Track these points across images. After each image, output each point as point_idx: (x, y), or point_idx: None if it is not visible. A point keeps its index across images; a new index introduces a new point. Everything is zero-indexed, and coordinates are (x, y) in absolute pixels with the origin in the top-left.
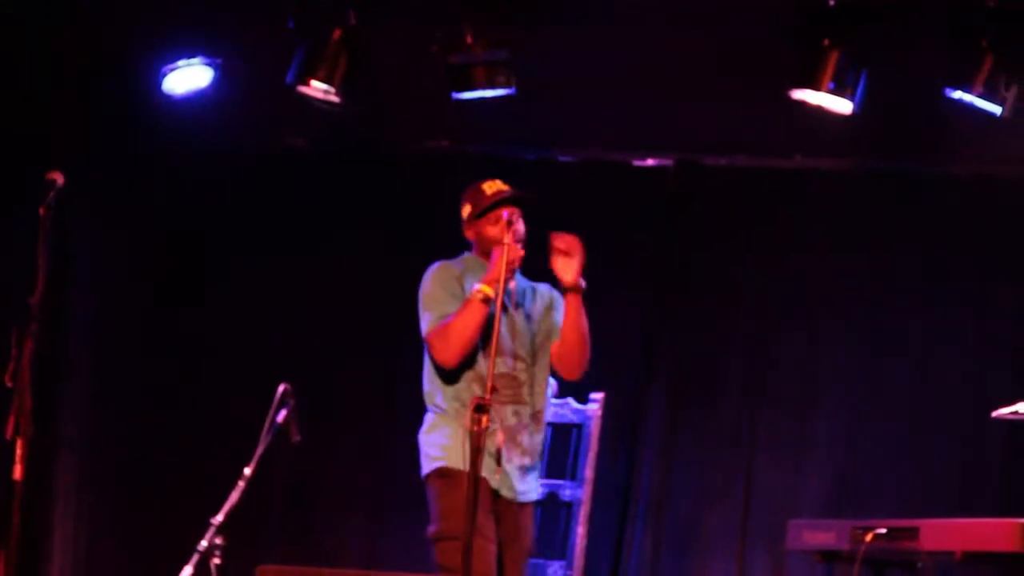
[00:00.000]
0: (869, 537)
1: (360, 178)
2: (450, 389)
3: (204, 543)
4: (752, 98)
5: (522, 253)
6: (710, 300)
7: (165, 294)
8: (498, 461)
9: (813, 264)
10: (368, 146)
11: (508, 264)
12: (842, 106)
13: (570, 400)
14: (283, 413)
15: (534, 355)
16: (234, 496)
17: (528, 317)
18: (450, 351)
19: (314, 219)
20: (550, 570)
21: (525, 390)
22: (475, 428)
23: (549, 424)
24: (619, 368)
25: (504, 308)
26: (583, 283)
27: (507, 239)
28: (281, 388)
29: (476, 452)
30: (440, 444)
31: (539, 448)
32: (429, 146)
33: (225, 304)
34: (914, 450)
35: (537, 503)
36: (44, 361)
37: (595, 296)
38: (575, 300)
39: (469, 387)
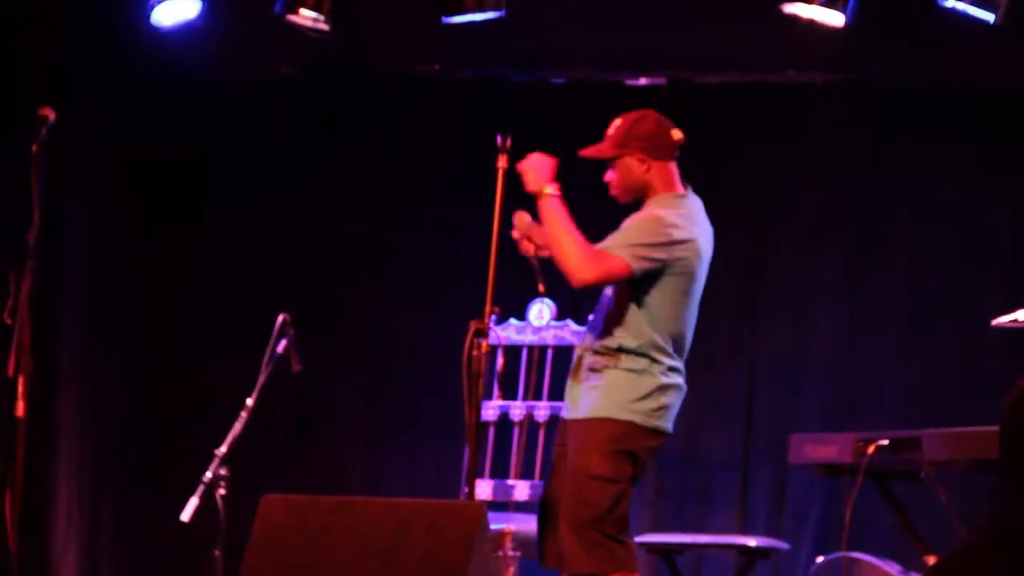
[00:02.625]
0: (871, 449)
1: (351, 105)
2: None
3: (209, 474)
4: (744, 13)
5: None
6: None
7: (160, 226)
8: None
9: (807, 179)
10: (359, 73)
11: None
12: (834, 19)
13: (569, 322)
14: (283, 343)
15: (602, 305)
16: (237, 427)
17: None
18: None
19: (307, 147)
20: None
21: (591, 320)
22: (474, 353)
23: (550, 347)
24: None
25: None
26: (548, 188)
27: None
28: (280, 318)
29: (476, 377)
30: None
31: (594, 371)
32: (420, 71)
33: (221, 234)
34: (913, 361)
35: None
36: (42, 298)
37: (591, 216)
38: (540, 205)
39: None
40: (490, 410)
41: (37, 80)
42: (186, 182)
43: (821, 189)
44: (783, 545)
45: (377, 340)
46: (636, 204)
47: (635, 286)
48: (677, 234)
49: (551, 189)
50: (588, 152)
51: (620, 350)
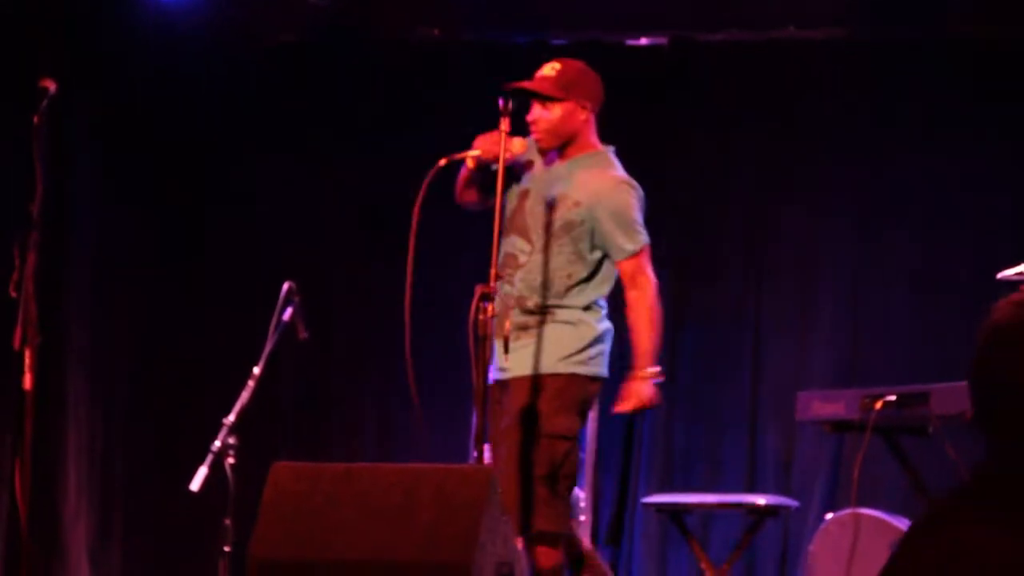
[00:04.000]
0: (879, 405)
1: (352, 70)
2: None
3: (218, 443)
4: None
5: (510, 151)
6: (709, 178)
7: (165, 196)
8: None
9: (810, 136)
10: (359, 38)
11: (483, 150)
12: None
13: None
14: (289, 311)
15: (545, 246)
16: (245, 396)
17: (550, 204)
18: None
19: (308, 114)
20: None
21: (520, 273)
22: (480, 317)
23: None
24: None
25: (527, 188)
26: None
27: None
28: (286, 286)
29: (483, 340)
30: None
31: (527, 328)
32: (420, 35)
33: (226, 202)
34: (919, 317)
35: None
36: (48, 270)
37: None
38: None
39: (501, 259)
40: (493, 373)
41: (39, 52)
42: (189, 150)
43: (825, 146)
44: (792, 503)
45: (383, 305)
46: (558, 149)
47: (587, 250)
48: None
49: None
50: (530, 85)
51: (557, 306)
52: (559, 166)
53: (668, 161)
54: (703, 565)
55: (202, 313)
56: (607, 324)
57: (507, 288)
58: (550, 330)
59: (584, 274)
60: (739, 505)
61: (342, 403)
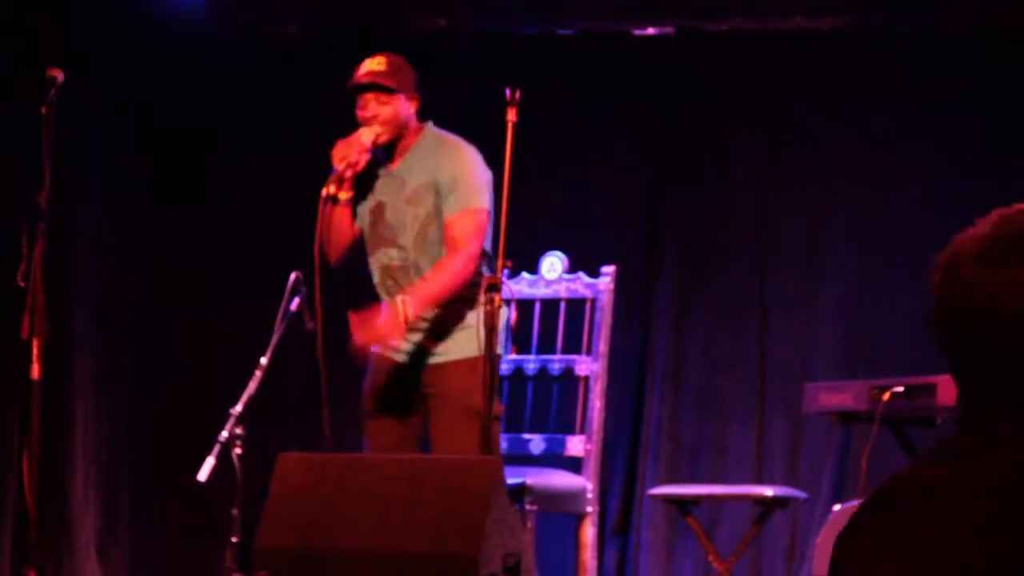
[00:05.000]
0: (886, 396)
1: (357, 62)
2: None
3: (224, 434)
4: None
5: (365, 144)
6: (715, 167)
7: (171, 186)
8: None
9: (816, 126)
10: (363, 29)
11: (350, 158)
12: None
13: (581, 274)
14: (296, 301)
15: (420, 241)
16: (252, 386)
17: (415, 194)
18: (326, 253)
19: (314, 106)
20: (569, 444)
21: (410, 278)
22: (487, 308)
23: (563, 300)
24: (628, 240)
25: (381, 195)
26: (406, 311)
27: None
28: (293, 276)
29: (491, 331)
30: None
31: (451, 312)
32: (424, 25)
33: (232, 193)
34: (926, 306)
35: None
36: (56, 260)
37: (600, 168)
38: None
39: (377, 276)
40: (504, 364)
41: (45, 42)
42: (195, 141)
43: (831, 135)
44: (800, 494)
45: None
46: (389, 145)
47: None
48: None
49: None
50: (376, 80)
51: (475, 287)
52: (400, 163)
53: (674, 151)
54: (710, 556)
55: (209, 303)
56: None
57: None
58: (477, 315)
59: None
60: (746, 496)
61: (349, 394)
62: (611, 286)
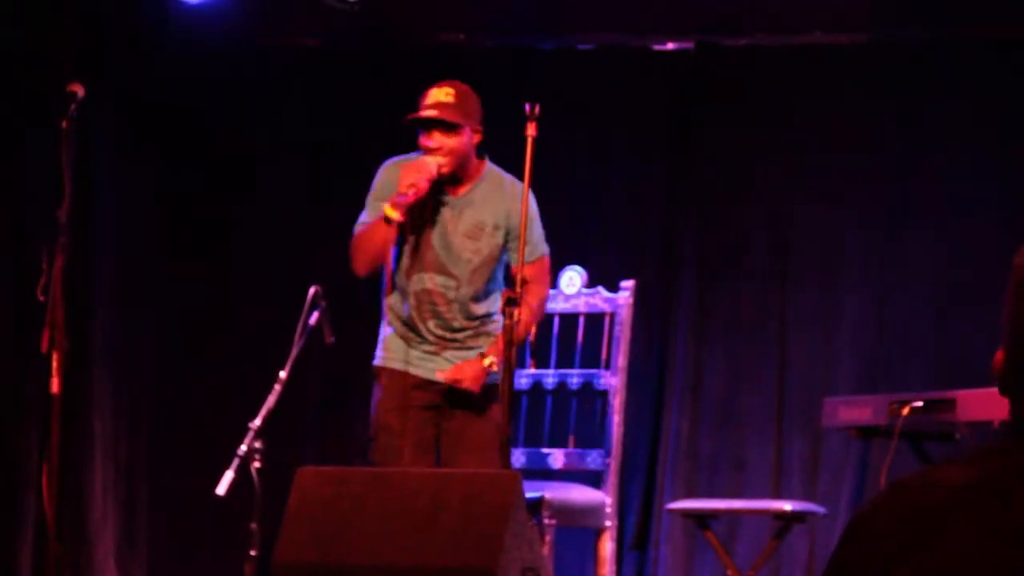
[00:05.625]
0: (906, 411)
1: (376, 75)
2: (391, 296)
3: (244, 447)
4: None
5: (432, 173)
6: (733, 181)
7: (190, 201)
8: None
9: (836, 140)
10: (383, 42)
11: (417, 185)
12: None
13: (600, 289)
14: (315, 315)
15: (475, 277)
16: (271, 400)
17: (475, 229)
18: (355, 263)
19: (333, 120)
20: (588, 458)
21: (454, 307)
22: (507, 322)
23: (582, 315)
24: (647, 254)
25: (433, 221)
26: (491, 368)
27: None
28: (312, 290)
29: (509, 345)
30: (381, 341)
31: (479, 337)
32: (445, 40)
33: (251, 207)
34: (946, 321)
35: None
36: (76, 275)
37: (619, 183)
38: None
39: (399, 296)
40: (523, 379)
41: (65, 57)
42: (214, 155)
43: (850, 150)
44: (819, 509)
45: None
46: (452, 178)
47: (502, 259)
48: None
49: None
50: (437, 115)
51: (490, 315)
52: (462, 195)
53: (693, 165)
54: (729, 571)
55: (228, 317)
56: None
57: (440, 321)
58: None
59: (499, 280)
60: (765, 511)
61: (368, 408)
62: (630, 300)
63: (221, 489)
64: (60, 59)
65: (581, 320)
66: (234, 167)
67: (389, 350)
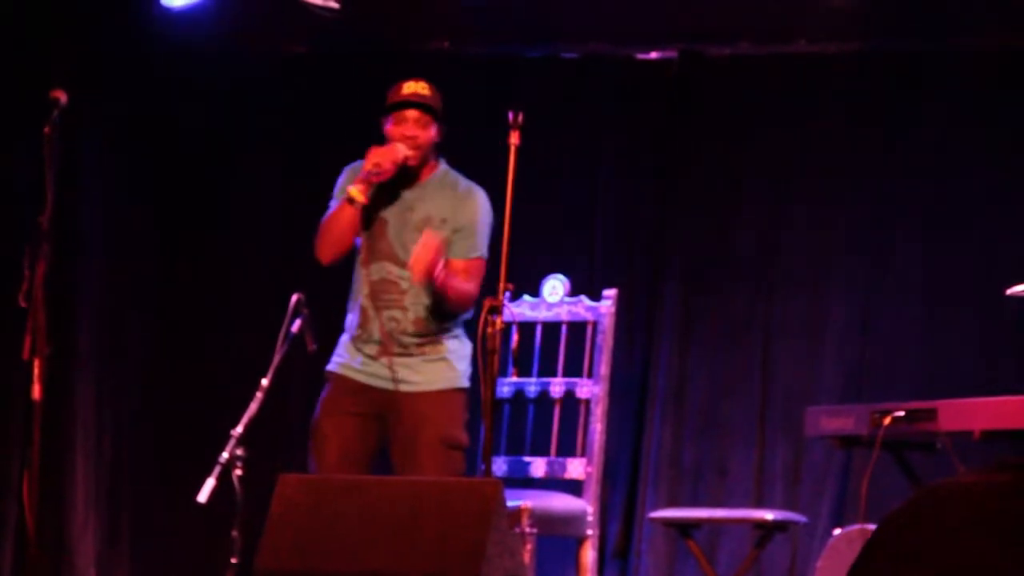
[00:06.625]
0: (887, 420)
1: (361, 82)
2: (351, 292)
3: (225, 455)
4: None
5: (398, 157)
6: (718, 190)
7: (174, 208)
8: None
9: (820, 150)
10: (369, 50)
11: (383, 166)
12: None
13: (583, 298)
14: (297, 323)
15: None
16: (253, 407)
17: (424, 222)
18: (319, 249)
19: (318, 126)
20: (570, 467)
21: (408, 297)
22: (489, 330)
23: (564, 323)
24: (630, 263)
25: (390, 213)
26: (437, 277)
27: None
28: (295, 298)
29: (492, 354)
30: (336, 346)
31: (427, 344)
32: (430, 48)
33: (235, 214)
34: (929, 332)
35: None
36: (58, 281)
37: (603, 192)
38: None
39: (356, 291)
40: (505, 387)
41: (50, 63)
42: (199, 162)
43: (835, 161)
44: (800, 518)
45: None
46: (410, 172)
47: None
48: None
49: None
50: (428, 102)
51: (448, 330)
52: (414, 189)
53: (676, 174)
54: None
55: (211, 325)
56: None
57: (395, 312)
58: (448, 345)
59: None
60: (747, 520)
61: None
62: (612, 309)
63: (203, 497)
64: (45, 65)
65: (563, 329)
66: (219, 173)
67: (338, 355)
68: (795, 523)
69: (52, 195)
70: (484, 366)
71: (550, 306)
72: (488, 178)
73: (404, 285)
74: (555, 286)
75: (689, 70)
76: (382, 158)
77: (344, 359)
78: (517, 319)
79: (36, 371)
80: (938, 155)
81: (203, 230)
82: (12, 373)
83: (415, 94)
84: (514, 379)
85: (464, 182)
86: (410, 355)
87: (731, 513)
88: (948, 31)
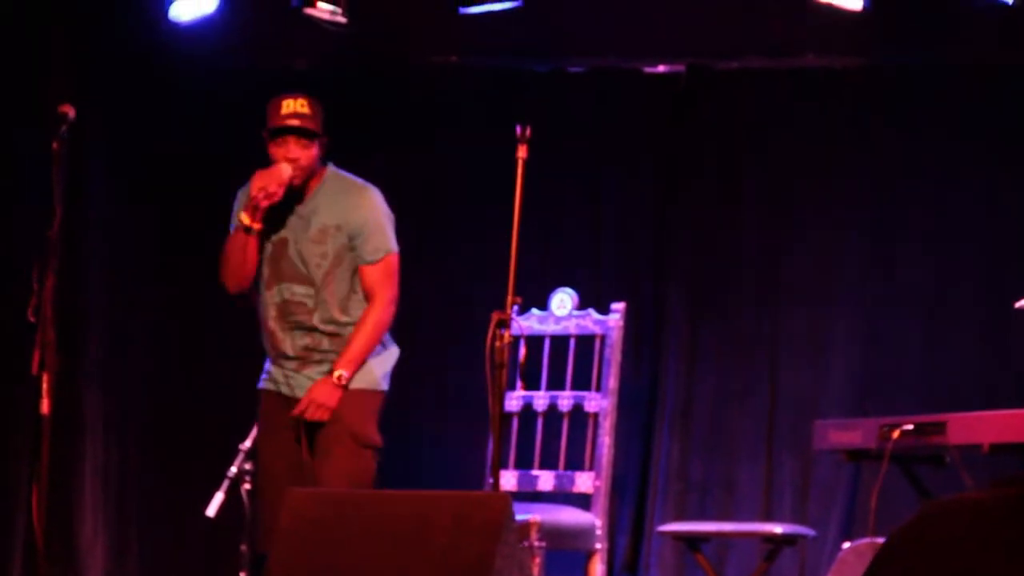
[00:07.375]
0: (896, 434)
1: (369, 97)
2: (257, 314)
3: (234, 469)
4: None
5: (284, 179)
6: (725, 204)
7: (181, 221)
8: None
9: (827, 164)
10: (376, 64)
11: (269, 189)
12: (852, 2)
13: (591, 311)
14: None
15: (329, 280)
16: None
17: (321, 233)
18: (223, 279)
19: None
20: (578, 480)
21: (316, 316)
22: (497, 344)
23: (573, 337)
24: (638, 277)
25: (286, 232)
26: (341, 381)
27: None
28: None
29: (500, 367)
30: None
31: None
32: (437, 62)
33: None
34: (937, 345)
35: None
36: (66, 295)
37: (611, 205)
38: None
39: (263, 314)
40: (513, 400)
41: (57, 78)
42: (206, 176)
43: (842, 174)
44: (809, 532)
45: (401, 332)
46: (299, 188)
47: (356, 266)
48: None
49: None
50: (306, 124)
51: (351, 323)
52: (306, 203)
53: (684, 187)
54: None
55: (219, 338)
56: (394, 344)
57: (305, 331)
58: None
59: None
60: (755, 534)
61: None
62: (621, 323)
63: (211, 511)
64: (52, 80)
65: (572, 342)
66: (225, 188)
67: (265, 371)
68: (804, 537)
69: (61, 210)
70: (492, 379)
71: (558, 319)
72: (496, 191)
73: (310, 304)
74: (563, 299)
75: (697, 84)
76: (267, 181)
77: (270, 374)
78: (525, 332)
79: (45, 386)
80: (944, 168)
81: (210, 243)
82: (21, 388)
83: (294, 115)
84: (522, 392)
85: (355, 183)
86: (330, 361)
87: (740, 527)
88: (957, 45)
